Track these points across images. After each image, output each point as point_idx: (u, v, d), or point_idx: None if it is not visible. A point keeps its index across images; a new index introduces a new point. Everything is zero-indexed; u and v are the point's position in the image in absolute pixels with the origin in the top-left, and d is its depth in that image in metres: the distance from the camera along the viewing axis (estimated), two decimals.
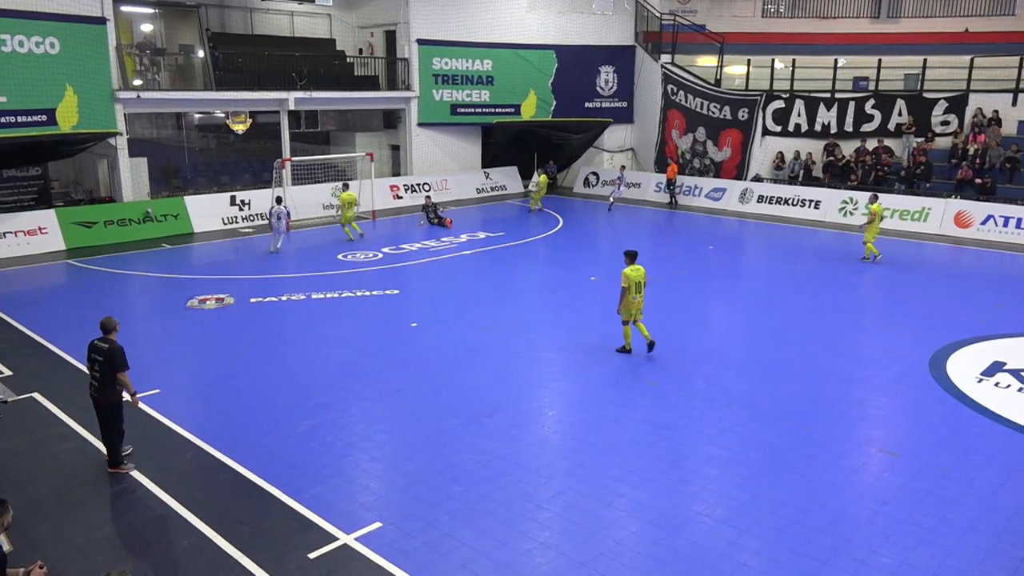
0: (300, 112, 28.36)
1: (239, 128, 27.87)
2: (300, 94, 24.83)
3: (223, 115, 28.05)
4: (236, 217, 23.44)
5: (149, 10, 25.25)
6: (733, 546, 7.34)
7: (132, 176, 22.69)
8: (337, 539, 7.41)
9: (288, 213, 20.59)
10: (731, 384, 11.32)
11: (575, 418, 10.35)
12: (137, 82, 22.95)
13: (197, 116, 28.97)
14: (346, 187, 22.58)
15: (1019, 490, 8.35)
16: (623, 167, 29.10)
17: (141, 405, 10.25)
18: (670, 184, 27.65)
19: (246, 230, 22.93)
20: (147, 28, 25.52)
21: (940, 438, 9.63)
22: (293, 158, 24.79)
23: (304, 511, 7.89)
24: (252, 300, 15.48)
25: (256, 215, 23.61)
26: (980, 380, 11.40)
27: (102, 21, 20.96)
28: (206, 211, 22.98)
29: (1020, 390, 11.03)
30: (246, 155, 29.56)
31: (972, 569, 6.98)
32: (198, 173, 28.26)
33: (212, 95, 23.82)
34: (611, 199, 27.08)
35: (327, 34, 29.86)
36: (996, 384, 11.26)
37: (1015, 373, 11.63)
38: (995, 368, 11.84)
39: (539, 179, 27.16)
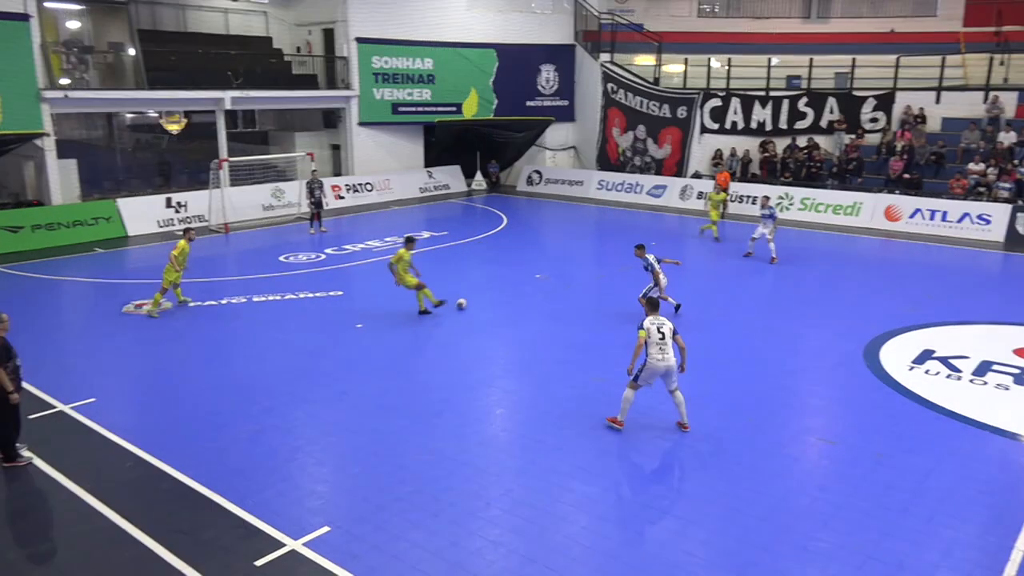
0: (237, 112, 27.82)
1: (174, 128, 27.21)
2: (236, 93, 24.32)
3: (156, 115, 27.34)
4: (172, 219, 22.85)
5: (76, 6, 24.43)
6: (679, 536, 7.48)
7: (61, 178, 21.94)
8: (284, 545, 7.31)
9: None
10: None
11: (523, 415, 10.40)
12: (64, 81, 22.17)
13: (129, 116, 28.15)
14: None
15: (948, 473, 8.71)
16: (766, 197, 20.39)
17: (76, 415, 9.98)
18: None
19: None
20: (74, 25, 24.68)
21: (874, 425, 9.98)
22: (231, 158, 24.29)
23: (250, 518, 7.75)
24: (191, 304, 15.12)
25: (193, 217, 23.07)
26: (911, 368, 11.84)
27: (25, 18, 20.17)
28: (140, 213, 22.36)
29: (948, 376, 11.49)
30: (182, 156, 28.85)
31: (906, 550, 7.26)
32: (131, 175, 27.45)
33: (144, 94, 23.20)
34: (754, 239, 19.44)
35: (263, 32, 29.35)
36: (926, 372, 11.70)
37: (943, 360, 12.11)
38: (925, 356, 12.30)
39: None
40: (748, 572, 6.96)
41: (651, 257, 14.13)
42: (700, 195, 25.98)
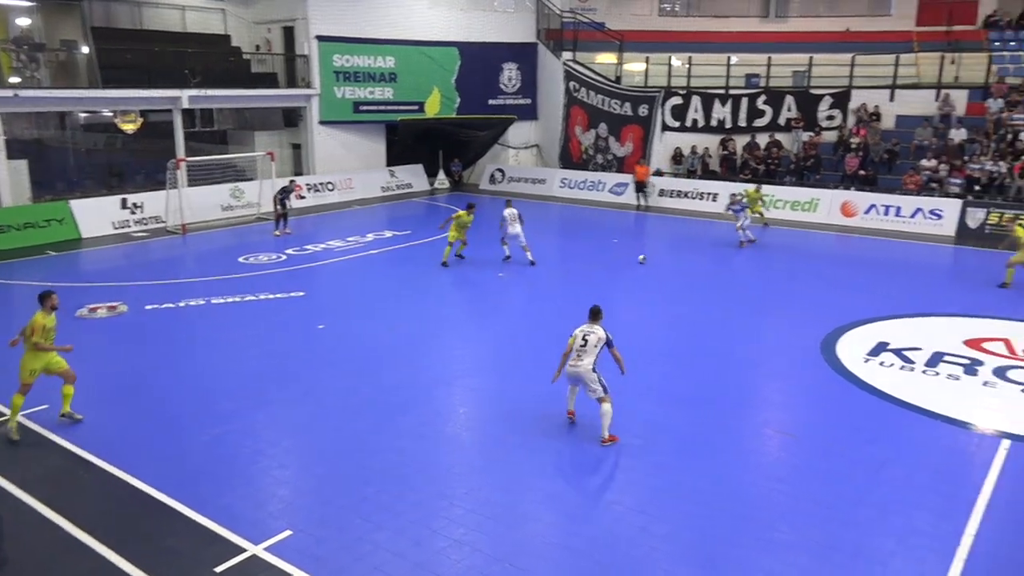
0: (195, 111, 27.36)
1: (129, 128, 26.63)
2: (194, 92, 23.93)
3: (111, 114, 26.77)
4: (128, 221, 22.41)
5: (26, 3, 23.80)
6: (644, 532, 7.54)
7: (11, 179, 21.39)
8: (245, 550, 7.21)
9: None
10: (638, 374, 11.57)
11: (486, 414, 10.40)
12: (14, 79, 21.61)
13: (83, 116, 27.52)
14: None
15: (902, 463, 8.90)
16: (738, 195, 21.32)
17: (29, 423, 9.73)
18: (641, 186, 26.39)
19: (140, 234, 21.96)
20: (24, 22, 24.06)
21: (832, 417, 10.16)
22: (188, 158, 23.89)
23: (210, 524, 7.64)
24: (148, 307, 14.84)
25: (150, 218, 22.65)
26: (867, 360, 12.08)
27: None
28: (95, 215, 21.88)
29: (902, 368, 11.75)
30: (137, 156, 28.27)
31: (862, 538, 7.40)
32: (85, 175, 26.83)
33: (98, 93, 22.70)
34: (741, 231, 20.27)
35: (221, 30, 28.89)
36: (881, 363, 11.95)
37: (897, 352, 12.38)
38: (880, 348, 12.57)
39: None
40: (712, 565, 7.05)
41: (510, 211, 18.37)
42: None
